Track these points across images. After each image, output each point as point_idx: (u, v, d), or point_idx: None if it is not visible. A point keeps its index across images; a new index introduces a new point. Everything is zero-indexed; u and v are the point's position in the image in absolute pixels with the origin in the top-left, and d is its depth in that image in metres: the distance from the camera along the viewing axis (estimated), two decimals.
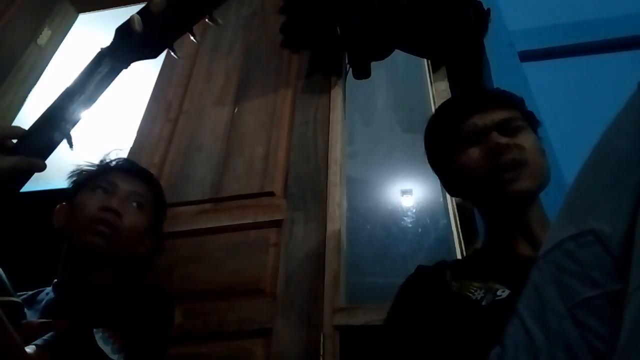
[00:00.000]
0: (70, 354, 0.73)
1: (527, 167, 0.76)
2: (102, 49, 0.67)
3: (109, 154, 1.10)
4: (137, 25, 0.64)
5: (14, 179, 0.62)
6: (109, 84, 0.67)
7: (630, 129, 0.52)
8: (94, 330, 0.77)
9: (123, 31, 0.66)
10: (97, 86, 0.66)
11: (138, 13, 0.65)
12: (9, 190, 0.62)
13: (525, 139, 0.80)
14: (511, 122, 0.82)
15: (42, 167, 0.63)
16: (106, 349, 0.75)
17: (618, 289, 0.45)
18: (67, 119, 0.64)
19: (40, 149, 0.64)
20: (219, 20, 0.67)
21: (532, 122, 0.88)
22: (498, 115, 0.82)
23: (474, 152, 0.80)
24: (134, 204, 1.01)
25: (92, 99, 0.66)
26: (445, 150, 0.87)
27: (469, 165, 0.81)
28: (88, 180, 1.03)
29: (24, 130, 0.64)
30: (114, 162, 1.09)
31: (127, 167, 1.09)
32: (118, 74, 0.67)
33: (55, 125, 0.63)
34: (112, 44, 0.66)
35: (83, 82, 0.65)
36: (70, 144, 0.67)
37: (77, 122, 0.66)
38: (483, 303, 0.68)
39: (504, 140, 0.78)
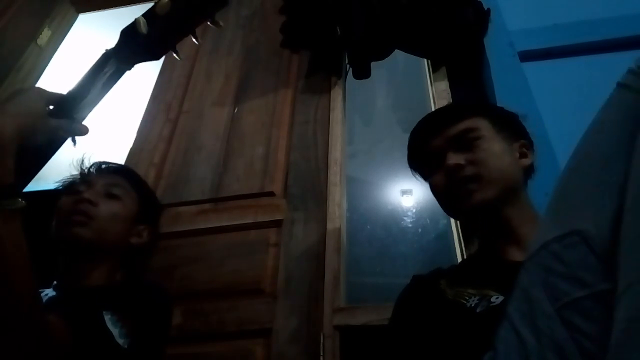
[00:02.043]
0: (80, 330, 0.74)
1: (482, 180, 0.77)
2: (106, 50, 0.67)
3: (83, 160, 1.11)
4: (143, 27, 0.64)
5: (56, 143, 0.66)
6: (113, 85, 0.68)
7: (611, 128, 0.52)
8: (104, 312, 0.77)
9: (128, 33, 0.67)
10: (102, 87, 0.66)
11: (143, 15, 0.66)
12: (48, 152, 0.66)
13: (483, 149, 0.79)
14: (465, 134, 0.81)
15: (86, 131, 0.68)
16: (114, 331, 0.76)
17: (606, 289, 0.45)
18: (72, 119, 0.65)
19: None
20: (221, 23, 0.67)
21: (503, 122, 0.85)
22: (452, 131, 0.82)
23: (437, 177, 0.82)
24: (111, 193, 1.02)
25: (96, 100, 0.67)
26: (422, 176, 0.91)
27: (436, 190, 0.84)
28: (69, 186, 1.05)
29: (61, 96, 0.66)
30: (92, 166, 1.10)
31: (104, 166, 1.09)
32: (122, 75, 0.68)
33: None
34: (117, 45, 0.67)
35: (88, 83, 0.65)
36: (74, 142, 0.68)
37: (82, 122, 0.67)
38: (477, 310, 0.68)
39: (453, 160, 0.78)
